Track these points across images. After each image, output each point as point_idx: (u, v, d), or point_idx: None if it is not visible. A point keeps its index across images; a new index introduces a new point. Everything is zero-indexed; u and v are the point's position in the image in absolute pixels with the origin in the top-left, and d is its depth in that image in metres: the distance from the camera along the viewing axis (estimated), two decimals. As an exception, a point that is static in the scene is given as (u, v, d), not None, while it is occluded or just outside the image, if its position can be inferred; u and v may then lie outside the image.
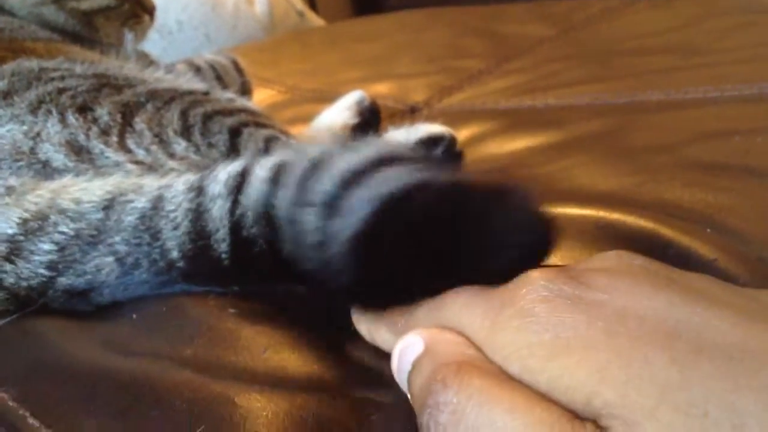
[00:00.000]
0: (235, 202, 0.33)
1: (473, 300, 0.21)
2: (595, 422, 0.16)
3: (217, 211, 0.33)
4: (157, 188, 0.35)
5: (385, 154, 0.28)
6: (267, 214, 0.31)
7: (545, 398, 0.17)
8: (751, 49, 0.68)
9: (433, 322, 0.22)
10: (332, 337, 0.28)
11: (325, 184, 0.27)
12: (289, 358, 0.26)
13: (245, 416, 0.21)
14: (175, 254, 0.33)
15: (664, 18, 0.91)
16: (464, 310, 0.21)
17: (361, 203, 0.24)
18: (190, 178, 0.35)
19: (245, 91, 0.76)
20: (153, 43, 1.30)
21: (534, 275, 0.20)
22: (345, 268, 0.24)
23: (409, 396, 0.21)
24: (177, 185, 0.35)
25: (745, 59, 0.64)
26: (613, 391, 0.16)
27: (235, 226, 0.32)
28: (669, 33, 0.83)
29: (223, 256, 0.32)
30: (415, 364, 0.20)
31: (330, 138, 0.61)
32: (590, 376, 0.17)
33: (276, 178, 0.32)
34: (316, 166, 0.29)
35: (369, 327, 0.25)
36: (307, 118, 0.70)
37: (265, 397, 0.22)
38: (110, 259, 0.33)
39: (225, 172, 0.34)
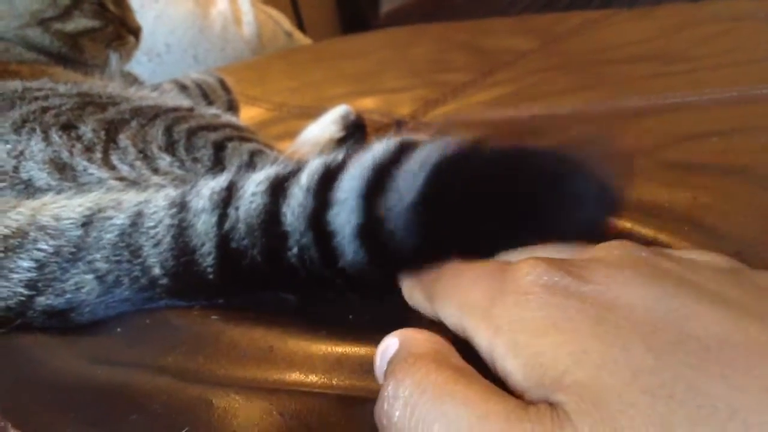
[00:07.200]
0: (223, 216, 0.33)
1: (481, 278, 0.22)
2: (546, 401, 0.17)
3: (202, 225, 0.33)
4: (135, 204, 0.35)
5: (402, 144, 0.30)
6: (265, 225, 0.31)
7: (500, 391, 0.18)
8: (729, 54, 0.69)
9: (449, 291, 0.23)
10: (317, 337, 0.28)
11: (351, 181, 0.29)
12: (271, 358, 0.26)
13: (222, 416, 0.21)
14: (157, 271, 0.33)
15: (644, 28, 0.93)
16: (471, 285, 0.21)
17: (410, 175, 0.26)
18: (171, 193, 0.35)
19: (232, 108, 0.76)
20: (141, 65, 1.31)
21: (537, 262, 0.20)
22: (406, 238, 0.25)
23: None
24: (156, 201, 0.35)
25: (724, 64, 0.66)
26: (585, 372, 0.16)
27: (224, 239, 0.32)
28: (649, 42, 0.84)
29: (209, 269, 0.32)
30: (389, 364, 0.21)
31: (315, 152, 0.62)
32: (569, 356, 0.17)
33: (273, 189, 0.32)
34: (327, 174, 0.31)
35: (408, 289, 0.26)
36: (294, 135, 0.70)
37: (242, 396, 0.22)
38: (90, 276, 0.33)
39: (208, 187, 0.34)
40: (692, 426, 0.15)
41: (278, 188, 0.32)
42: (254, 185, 0.33)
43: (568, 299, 0.18)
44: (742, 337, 0.17)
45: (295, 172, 0.33)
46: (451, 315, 0.22)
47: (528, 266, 0.20)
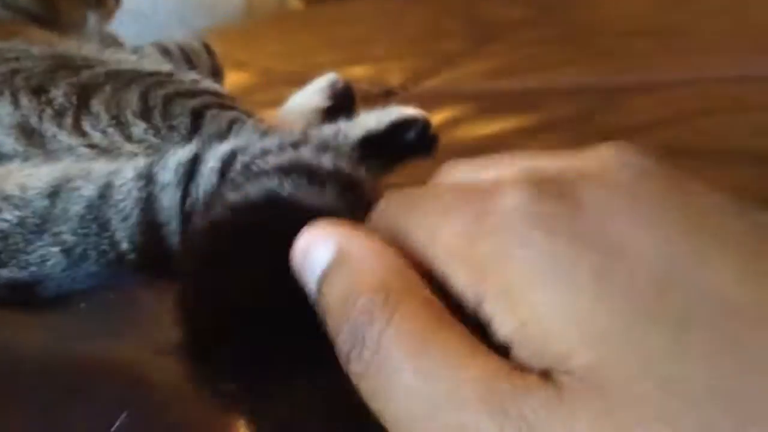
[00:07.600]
0: (186, 192, 0.32)
1: (453, 209, 0.17)
2: (542, 373, 0.14)
3: (168, 200, 0.32)
4: (105, 175, 0.34)
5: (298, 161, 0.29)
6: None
7: (483, 347, 0.15)
8: (731, 31, 0.67)
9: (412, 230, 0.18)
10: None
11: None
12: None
13: (169, 396, 0.20)
14: (125, 245, 0.32)
15: (645, 1, 0.90)
16: (442, 219, 0.17)
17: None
18: (140, 164, 0.34)
19: (216, 74, 0.74)
20: (126, 26, 1.27)
21: (520, 185, 0.16)
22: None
23: (318, 305, 0.17)
24: (126, 172, 0.34)
25: (726, 41, 0.64)
26: (595, 354, 0.14)
27: (186, 218, 0.31)
28: (650, 16, 0.82)
29: (176, 247, 0.31)
30: (330, 273, 0.17)
31: (301, 121, 0.60)
32: (577, 330, 0.14)
33: (224, 169, 0.31)
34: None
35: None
36: (282, 102, 0.68)
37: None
38: (56, 249, 0.32)
39: (175, 158, 0.33)
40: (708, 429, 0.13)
41: (227, 167, 0.32)
42: (214, 162, 0.32)
43: (563, 237, 0.15)
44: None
45: (243, 149, 0.32)
46: (419, 256, 0.17)
47: (510, 190, 0.16)
